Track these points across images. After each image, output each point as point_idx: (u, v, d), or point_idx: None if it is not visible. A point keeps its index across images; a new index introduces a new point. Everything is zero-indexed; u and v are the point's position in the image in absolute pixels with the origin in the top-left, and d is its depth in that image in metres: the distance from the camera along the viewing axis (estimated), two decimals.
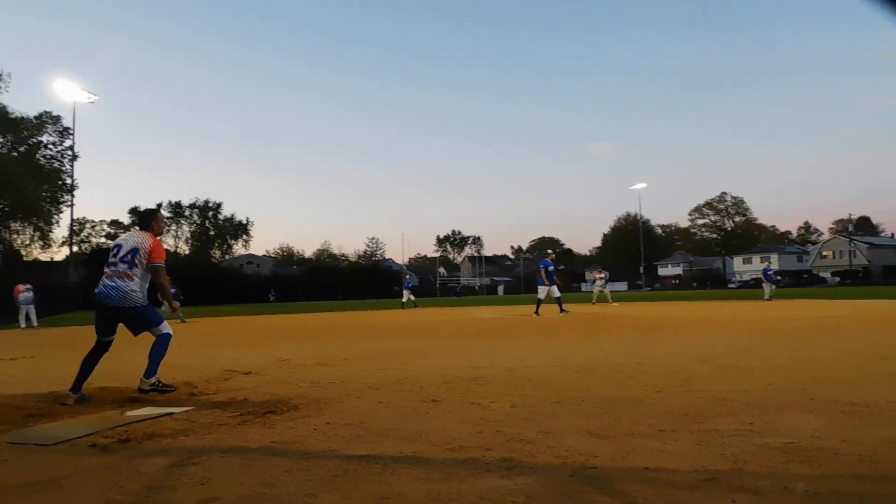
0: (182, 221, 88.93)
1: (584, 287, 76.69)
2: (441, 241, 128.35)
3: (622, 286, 77.51)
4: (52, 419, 4.22)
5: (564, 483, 2.53)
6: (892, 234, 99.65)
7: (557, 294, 17.78)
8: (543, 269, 17.72)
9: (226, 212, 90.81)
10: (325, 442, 3.38)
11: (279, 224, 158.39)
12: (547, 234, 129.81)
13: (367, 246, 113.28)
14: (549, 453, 2.98)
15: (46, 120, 54.99)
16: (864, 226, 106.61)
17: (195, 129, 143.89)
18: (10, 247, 53.98)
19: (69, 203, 50.17)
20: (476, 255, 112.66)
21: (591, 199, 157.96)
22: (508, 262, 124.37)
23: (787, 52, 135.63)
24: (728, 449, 2.94)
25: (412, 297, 30.63)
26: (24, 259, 55.39)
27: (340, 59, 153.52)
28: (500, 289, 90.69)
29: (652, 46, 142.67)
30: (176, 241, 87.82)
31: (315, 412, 4.24)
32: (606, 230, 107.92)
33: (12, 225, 52.08)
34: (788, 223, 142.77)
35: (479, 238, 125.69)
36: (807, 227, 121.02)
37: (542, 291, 17.81)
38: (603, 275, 27.07)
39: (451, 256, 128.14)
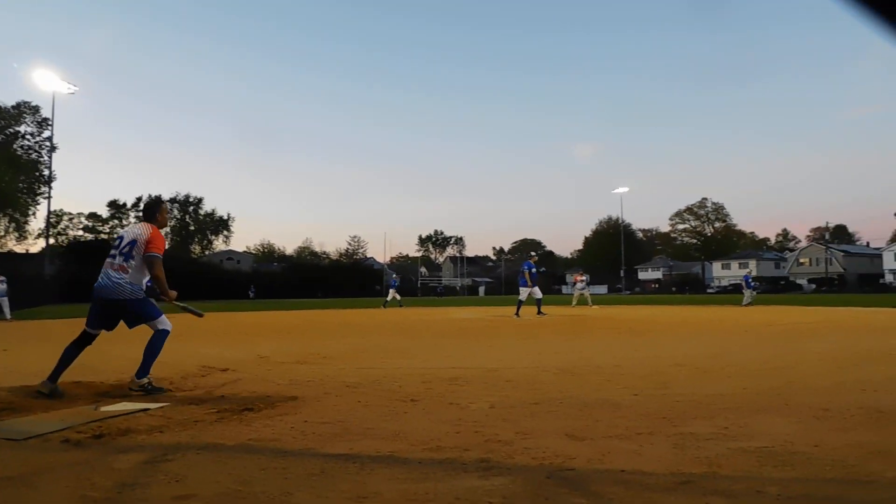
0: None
1: (564, 289, 77.06)
2: (423, 241, 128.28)
3: (602, 289, 77.94)
4: (23, 414, 4.14)
5: (541, 484, 2.53)
6: (868, 243, 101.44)
7: (539, 296, 17.87)
8: (528, 270, 17.81)
9: (207, 207, 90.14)
10: (302, 440, 3.36)
11: (260, 220, 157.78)
12: (529, 236, 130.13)
13: (349, 244, 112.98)
14: (526, 454, 2.99)
15: (25, 110, 54.14)
16: (840, 234, 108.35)
17: (177, 123, 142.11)
18: None
19: (46, 195, 49.43)
20: (458, 255, 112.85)
21: (574, 201, 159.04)
22: (490, 263, 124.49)
23: (768, 58, 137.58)
24: (703, 452, 2.97)
25: (397, 297, 30.63)
26: None
27: (322, 58, 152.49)
28: (482, 289, 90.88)
29: (636, 48, 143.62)
30: None
31: (293, 410, 4.22)
32: (588, 233, 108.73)
33: None
34: (767, 230, 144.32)
35: (461, 238, 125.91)
36: (785, 234, 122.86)
37: (523, 293, 17.87)
38: (584, 278, 27.28)
39: (433, 256, 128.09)
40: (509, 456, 2.97)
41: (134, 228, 5.10)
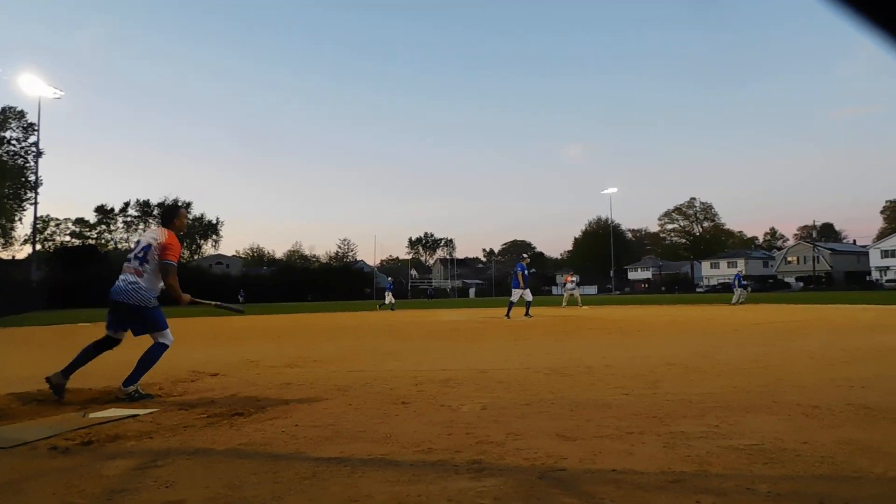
0: (150, 220, 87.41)
1: (554, 290, 77.26)
2: (413, 244, 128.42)
3: (592, 290, 78.31)
4: (10, 421, 4.09)
5: (532, 485, 2.54)
6: (854, 241, 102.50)
7: (529, 298, 17.97)
8: (520, 272, 17.87)
9: (195, 211, 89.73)
10: (293, 444, 3.34)
11: (250, 224, 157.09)
12: (519, 238, 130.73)
13: (339, 247, 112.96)
14: (517, 455, 2.99)
15: (10, 115, 53.60)
16: (827, 232, 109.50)
17: (165, 127, 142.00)
18: None
19: (33, 201, 48.97)
20: (448, 257, 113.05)
21: (563, 203, 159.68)
22: (480, 265, 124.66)
23: (756, 60, 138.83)
24: (694, 451, 2.99)
25: (392, 300, 30.72)
26: None
27: (310, 60, 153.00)
28: (472, 291, 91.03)
29: (622, 50, 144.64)
30: None
31: (283, 414, 4.20)
32: (578, 234, 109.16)
33: None
34: (755, 229, 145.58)
35: (451, 241, 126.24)
36: (773, 233, 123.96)
37: (515, 294, 17.95)
38: (574, 278, 27.37)
39: (423, 259, 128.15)
40: (501, 457, 2.97)
41: (150, 233, 5.10)
